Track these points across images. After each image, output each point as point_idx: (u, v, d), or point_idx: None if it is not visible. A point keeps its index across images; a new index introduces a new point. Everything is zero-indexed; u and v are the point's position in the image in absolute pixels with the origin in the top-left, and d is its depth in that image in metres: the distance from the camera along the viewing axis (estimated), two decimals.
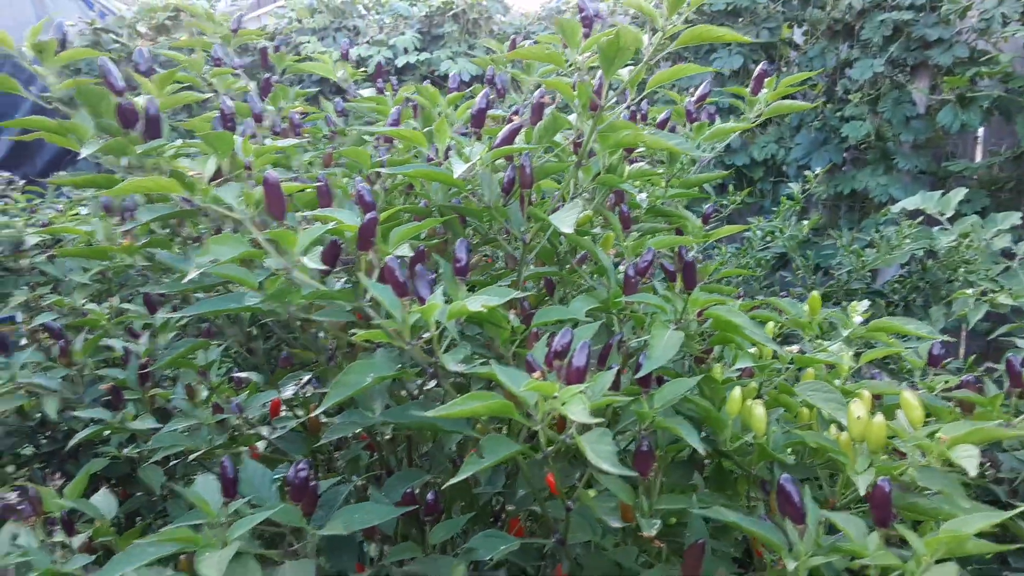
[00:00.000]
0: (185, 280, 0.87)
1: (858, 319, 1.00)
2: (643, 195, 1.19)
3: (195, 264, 0.91)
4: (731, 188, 3.26)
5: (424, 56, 5.18)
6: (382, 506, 0.92)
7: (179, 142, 0.98)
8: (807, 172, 3.45)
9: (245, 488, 0.98)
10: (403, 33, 5.27)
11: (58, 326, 1.32)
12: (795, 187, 3.26)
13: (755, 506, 1.04)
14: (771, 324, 1.01)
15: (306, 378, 1.15)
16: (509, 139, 0.93)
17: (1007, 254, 2.61)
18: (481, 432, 1.18)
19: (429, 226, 0.87)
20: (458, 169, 0.86)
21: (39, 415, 2.39)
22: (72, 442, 1.30)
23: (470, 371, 0.73)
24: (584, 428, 0.70)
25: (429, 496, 1.06)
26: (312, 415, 1.31)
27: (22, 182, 2.81)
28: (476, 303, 0.71)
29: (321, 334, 1.15)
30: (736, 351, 0.97)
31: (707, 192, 2.69)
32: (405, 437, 1.31)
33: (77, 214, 2.45)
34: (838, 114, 4.45)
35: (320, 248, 0.80)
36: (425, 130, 0.99)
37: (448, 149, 0.97)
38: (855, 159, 4.56)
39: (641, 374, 0.82)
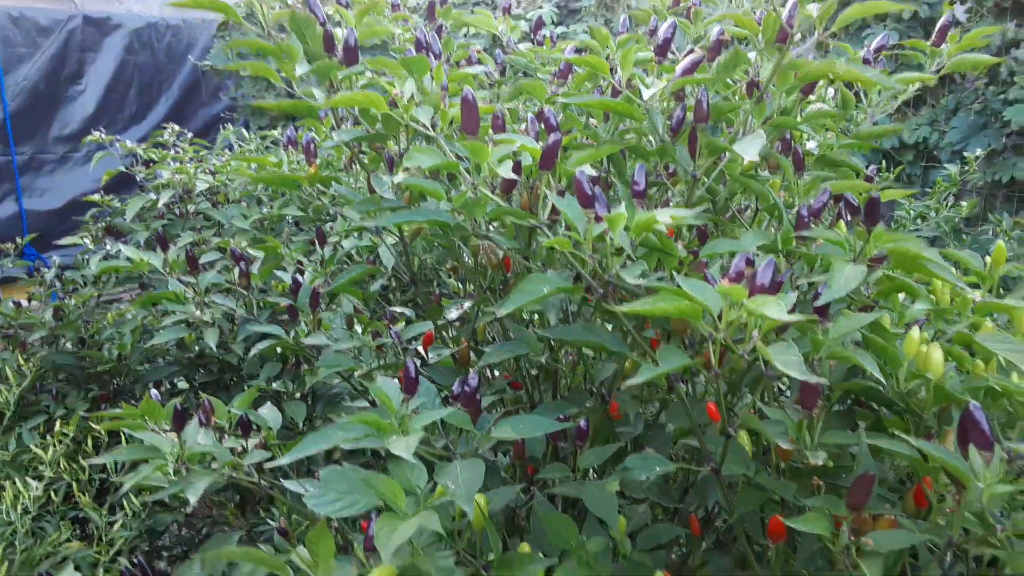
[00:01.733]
0: (381, 196, 0.93)
1: None
2: (812, 143, 1.18)
3: (390, 182, 0.98)
4: (882, 168, 3.11)
5: (561, 29, 5.20)
6: (545, 418, 0.96)
7: (369, 74, 1.05)
8: (966, 154, 3.25)
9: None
10: (541, 7, 5.30)
11: (240, 250, 1.44)
12: (952, 169, 3.08)
13: None
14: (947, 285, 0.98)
15: (467, 303, 1.21)
16: (690, 70, 0.94)
17: None
18: (631, 367, 1.21)
19: (609, 151, 0.89)
20: (646, 93, 0.88)
21: (197, 348, 2.60)
22: (251, 354, 1.40)
23: (649, 284, 0.75)
24: (767, 342, 0.71)
25: (581, 422, 1.10)
26: (463, 347, 1.37)
27: (190, 135, 3.02)
28: (665, 215, 0.73)
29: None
30: (910, 300, 0.95)
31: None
32: (551, 374, 1.35)
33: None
34: (1000, 96, 4.16)
35: (510, 163, 0.84)
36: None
37: (630, 81, 0.98)
38: (1016, 146, 4.25)
39: (820, 303, 0.82)
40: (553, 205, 0.88)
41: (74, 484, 2.19)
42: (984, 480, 0.66)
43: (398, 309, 1.66)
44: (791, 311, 0.84)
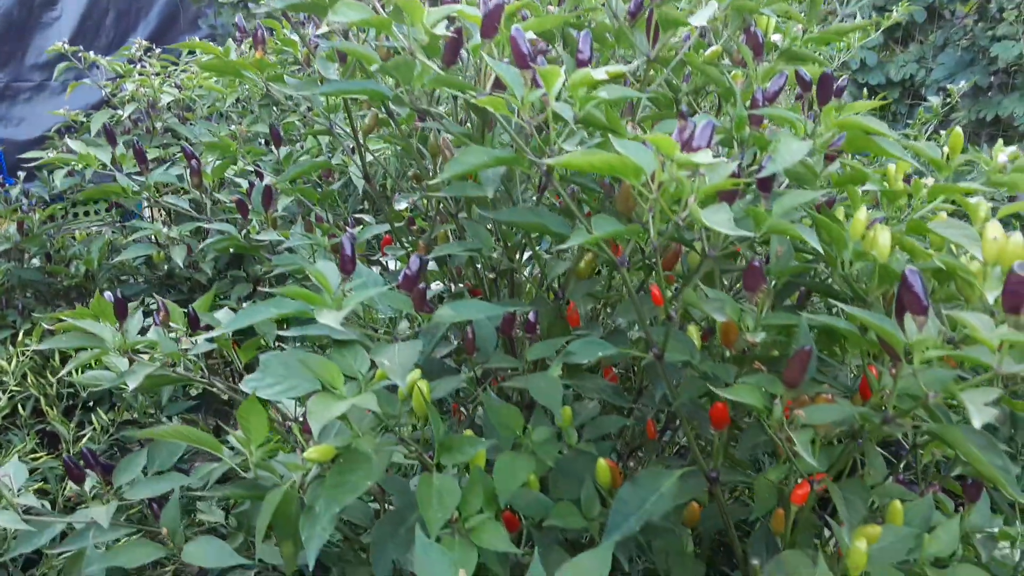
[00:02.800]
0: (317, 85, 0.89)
1: (1004, 157, 0.93)
2: (777, 36, 1.14)
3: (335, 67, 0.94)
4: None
5: None
6: (488, 303, 0.94)
7: None
8: (949, 86, 3.21)
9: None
10: None
11: (190, 148, 1.40)
12: (935, 100, 3.04)
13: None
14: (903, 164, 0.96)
15: (416, 195, 1.18)
16: None
17: None
18: (586, 267, 1.19)
19: (554, 24, 0.86)
20: None
21: (167, 267, 2.58)
22: (207, 256, 1.37)
23: (577, 157, 0.72)
24: (701, 206, 0.69)
25: (530, 314, 1.08)
26: (420, 249, 1.35)
27: (158, 50, 2.94)
28: (601, 72, 0.70)
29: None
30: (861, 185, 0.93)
31: None
32: (508, 279, 1.33)
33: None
34: (989, 33, 4.09)
35: (445, 24, 0.81)
36: None
37: None
38: (1002, 84, 4.21)
39: (764, 174, 0.80)
40: (496, 79, 0.85)
41: (42, 399, 2.19)
42: (916, 345, 0.65)
43: (366, 217, 1.64)
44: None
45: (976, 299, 0.81)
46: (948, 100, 3.08)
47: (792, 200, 0.80)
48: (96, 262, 2.35)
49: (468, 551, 0.87)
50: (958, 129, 0.94)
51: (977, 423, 0.57)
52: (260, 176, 1.58)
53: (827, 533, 1.18)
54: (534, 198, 1.06)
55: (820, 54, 1.32)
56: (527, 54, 0.73)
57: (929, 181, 0.91)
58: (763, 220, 0.78)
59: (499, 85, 0.86)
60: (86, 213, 3.01)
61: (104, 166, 1.37)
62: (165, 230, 1.91)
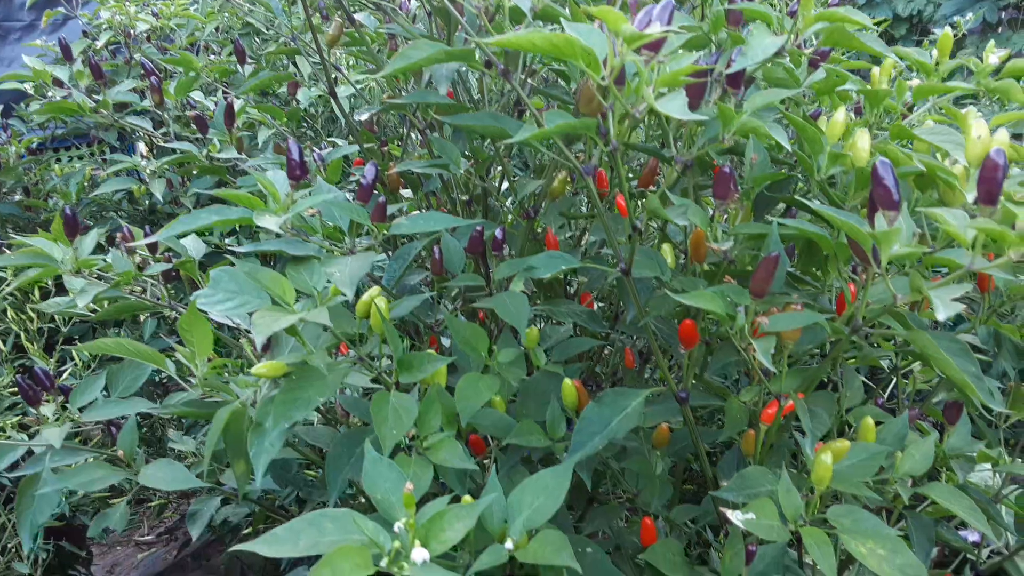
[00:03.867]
0: None
1: (995, 59, 0.87)
2: None
3: None
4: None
5: None
6: (446, 215, 0.90)
7: None
8: (956, 18, 3.10)
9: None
10: None
11: (150, 64, 1.34)
12: (941, 32, 2.94)
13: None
14: (889, 62, 0.90)
15: (378, 107, 1.13)
16: None
17: None
18: (560, 186, 1.14)
19: None
20: None
21: (148, 202, 2.53)
22: (161, 163, 1.32)
23: (516, 36, 0.66)
24: (660, 96, 0.64)
25: (497, 231, 1.04)
26: (391, 172, 1.29)
27: None
28: None
29: None
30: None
31: None
32: (482, 204, 1.28)
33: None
34: None
35: None
36: None
37: None
38: (1012, 20, 4.08)
39: (733, 70, 0.74)
40: None
41: (22, 334, 2.16)
42: (883, 239, 0.60)
43: (338, 141, 1.58)
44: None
45: (957, 204, 0.76)
46: (956, 33, 2.98)
47: (763, 98, 0.74)
48: (74, 196, 2.30)
49: (424, 467, 0.84)
50: (947, 30, 0.88)
51: (941, 316, 0.53)
52: (225, 93, 1.52)
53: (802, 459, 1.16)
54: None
55: None
56: None
57: (914, 83, 0.86)
58: (732, 118, 0.73)
59: None
60: (66, 148, 2.95)
61: (60, 84, 1.31)
62: (144, 163, 1.86)
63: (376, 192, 0.93)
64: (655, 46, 0.63)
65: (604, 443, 0.90)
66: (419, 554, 0.64)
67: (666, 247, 1.01)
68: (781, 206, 1.05)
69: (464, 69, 1.16)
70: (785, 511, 0.75)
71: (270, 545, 0.67)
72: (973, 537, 1.29)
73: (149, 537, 2.31)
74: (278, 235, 0.90)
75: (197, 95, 1.78)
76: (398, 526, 0.69)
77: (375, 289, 0.92)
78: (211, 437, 0.84)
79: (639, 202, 0.99)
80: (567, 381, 0.96)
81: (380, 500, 0.73)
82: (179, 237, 1.01)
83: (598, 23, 0.62)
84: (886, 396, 1.38)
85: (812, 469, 0.75)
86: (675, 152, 0.79)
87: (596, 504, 1.16)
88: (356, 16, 1.11)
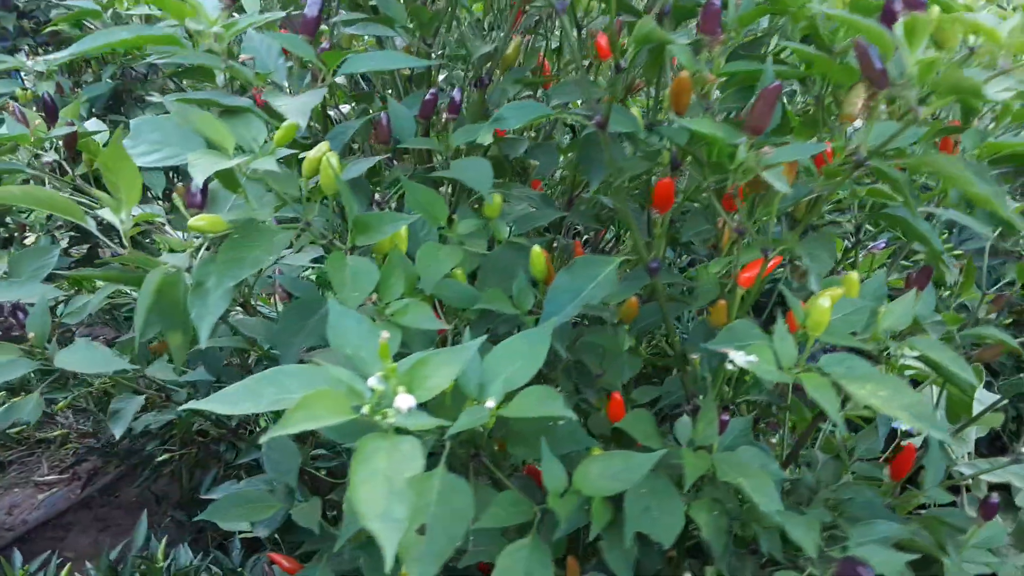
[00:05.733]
0: None
1: None
2: None
3: None
4: None
5: None
6: (402, 55, 0.80)
7: None
8: None
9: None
10: None
11: None
12: None
13: None
14: None
15: None
16: None
17: None
18: (513, 52, 1.06)
19: None
20: None
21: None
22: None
23: None
24: None
25: (454, 92, 0.95)
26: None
27: None
28: None
29: None
30: None
31: None
32: (426, 83, 1.18)
33: None
34: None
35: None
36: None
37: None
38: None
39: None
40: None
41: None
42: (913, 35, 0.56)
43: None
44: None
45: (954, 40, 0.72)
46: None
47: None
48: None
49: (391, 331, 0.76)
50: None
51: (997, 96, 0.48)
52: None
53: None
54: None
55: None
56: None
57: None
58: None
59: None
60: None
61: None
62: (30, 63, 1.67)
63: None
64: None
65: (578, 310, 0.84)
66: (404, 400, 0.57)
67: (635, 110, 0.95)
68: None
69: None
70: (781, 358, 0.72)
71: (226, 403, 0.58)
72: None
73: (50, 477, 2.13)
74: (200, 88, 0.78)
75: None
76: (374, 379, 0.61)
77: (324, 144, 0.82)
78: (140, 305, 0.73)
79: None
80: (536, 249, 0.90)
81: (352, 355, 0.65)
82: (87, 58, 0.88)
83: None
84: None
85: (809, 313, 0.72)
86: None
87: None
88: None
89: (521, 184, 1.21)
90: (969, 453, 1.39)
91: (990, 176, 0.60)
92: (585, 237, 1.46)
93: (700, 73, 0.77)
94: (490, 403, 0.68)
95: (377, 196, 1.11)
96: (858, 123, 0.72)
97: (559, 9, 0.78)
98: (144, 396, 1.03)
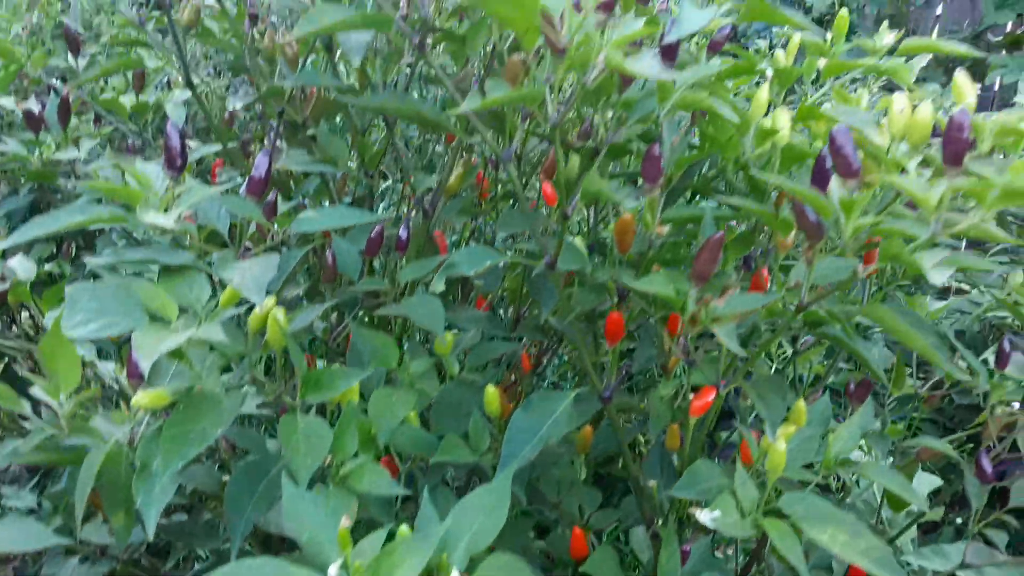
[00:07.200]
0: None
1: (889, 39, 0.90)
2: None
3: None
4: None
5: None
6: (354, 210, 0.80)
7: None
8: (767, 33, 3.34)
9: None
10: None
11: None
12: (762, 44, 3.15)
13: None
14: (795, 42, 0.91)
15: (252, 95, 1.00)
16: None
17: None
18: (456, 181, 1.07)
19: None
20: None
21: None
22: None
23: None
24: (610, 63, 0.59)
25: (401, 231, 0.95)
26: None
27: None
28: None
29: None
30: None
31: None
32: (367, 204, 1.18)
33: None
34: None
35: None
36: None
37: None
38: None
39: (668, 40, 0.71)
40: None
41: None
42: (849, 207, 0.59)
43: (193, 143, 1.41)
44: None
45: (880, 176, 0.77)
46: (771, 49, 3.20)
47: (695, 73, 0.71)
48: None
49: (346, 498, 0.74)
50: (843, 12, 0.89)
51: (938, 279, 0.51)
52: (55, 91, 1.32)
53: (718, 453, 1.16)
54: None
55: None
56: None
57: (821, 63, 0.87)
58: (670, 92, 0.70)
59: None
60: None
61: None
62: None
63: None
64: (608, 6, 0.57)
65: (536, 452, 0.84)
66: None
67: (578, 240, 0.97)
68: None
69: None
70: (743, 504, 0.72)
71: None
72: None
73: None
74: (140, 242, 0.76)
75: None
76: (333, 570, 0.59)
77: (271, 299, 0.81)
78: (82, 486, 0.69)
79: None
80: (490, 388, 0.89)
81: (308, 542, 0.62)
82: (31, 243, 0.85)
83: None
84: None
85: (768, 456, 0.73)
86: (606, 133, 0.75)
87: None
88: None
89: (465, 301, 1.22)
90: (912, 540, 1.42)
91: (930, 327, 0.63)
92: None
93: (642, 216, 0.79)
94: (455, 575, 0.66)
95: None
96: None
97: (505, 158, 0.80)
98: (78, 555, 0.97)
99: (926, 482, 1.44)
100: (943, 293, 1.93)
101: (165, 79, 1.81)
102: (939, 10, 4.34)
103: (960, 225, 0.55)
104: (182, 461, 0.67)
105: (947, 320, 1.81)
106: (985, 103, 3.97)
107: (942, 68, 4.08)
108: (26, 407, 0.70)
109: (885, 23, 0.93)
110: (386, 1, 0.67)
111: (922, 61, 1.99)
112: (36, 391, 0.70)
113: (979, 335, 1.87)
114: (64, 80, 1.89)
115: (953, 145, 0.55)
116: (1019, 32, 3.84)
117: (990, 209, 0.53)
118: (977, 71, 4.06)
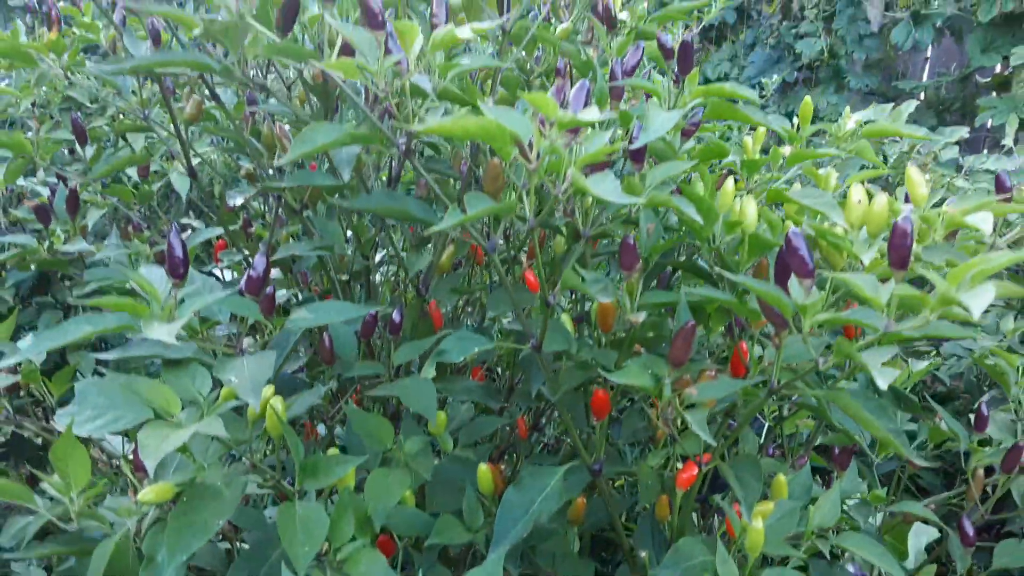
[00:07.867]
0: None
1: (852, 124, 0.95)
2: (625, 14, 1.12)
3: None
4: None
5: None
6: (348, 304, 0.84)
7: None
8: (763, 80, 3.42)
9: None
10: None
11: None
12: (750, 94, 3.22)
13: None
14: (760, 132, 0.96)
15: (252, 190, 1.05)
16: None
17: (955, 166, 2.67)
18: (447, 259, 1.12)
19: None
20: None
21: None
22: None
23: (449, 121, 0.64)
24: (586, 175, 0.63)
25: (394, 314, 0.99)
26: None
27: None
28: (466, 30, 0.63)
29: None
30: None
31: None
32: (364, 280, 1.23)
33: None
34: (793, 31, 4.41)
35: None
36: None
37: None
38: (807, 78, 4.55)
39: (636, 146, 0.76)
40: (342, 47, 0.76)
41: None
42: (806, 309, 0.63)
43: (194, 223, 1.47)
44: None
45: (842, 265, 0.81)
46: (763, 94, 3.27)
47: (665, 171, 0.76)
48: None
49: None
50: (808, 98, 0.95)
51: (883, 384, 0.55)
52: (64, 181, 1.38)
53: (712, 513, 1.18)
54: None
55: None
56: (379, 12, 0.65)
57: (786, 150, 0.91)
58: (639, 192, 0.74)
59: (345, 53, 0.77)
60: None
61: None
62: None
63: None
64: (576, 129, 0.62)
65: (529, 528, 0.87)
66: None
67: (565, 318, 1.01)
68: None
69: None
70: None
71: None
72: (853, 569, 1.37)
73: None
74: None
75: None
76: None
77: (269, 388, 0.85)
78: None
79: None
80: (482, 466, 0.92)
81: None
82: (48, 352, 0.89)
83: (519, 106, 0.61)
84: (768, 441, 1.43)
85: (746, 535, 0.76)
86: (581, 227, 0.79)
87: None
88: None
89: (461, 375, 1.25)
90: None
91: (891, 413, 0.67)
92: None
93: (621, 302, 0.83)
94: None
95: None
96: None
97: (489, 249, 0.84)
98: None
99: (923, 534, 1.45)
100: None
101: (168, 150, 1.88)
102: (928, 53, 4.43)
103: (908, 324, 0.59)
104: (186, 554, 0.70)
105: (946, 364, 1.83)
106: (976, 144, 4.03)
107: (932, 110, 4.15)
108: (37, 501, 0.74)
109: (847, 108, 0.98)
110: (373, 112, 0.73)
111: (910, 107, 2.06)
112: (47, 487, 0.74)
113: (975, 381, 1.89)
114: (72, 152, 1.96)
115: (898, 251, 0.59)
116: (1007, 73, 3.92)
117: (933, 312, 0.56)
118: (968, 112, 4.13)
